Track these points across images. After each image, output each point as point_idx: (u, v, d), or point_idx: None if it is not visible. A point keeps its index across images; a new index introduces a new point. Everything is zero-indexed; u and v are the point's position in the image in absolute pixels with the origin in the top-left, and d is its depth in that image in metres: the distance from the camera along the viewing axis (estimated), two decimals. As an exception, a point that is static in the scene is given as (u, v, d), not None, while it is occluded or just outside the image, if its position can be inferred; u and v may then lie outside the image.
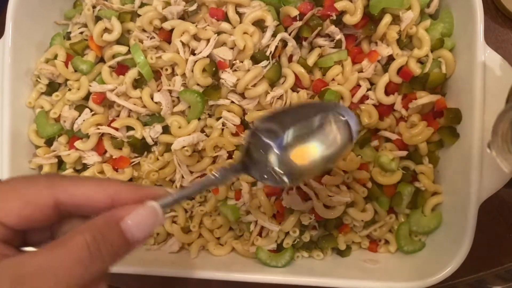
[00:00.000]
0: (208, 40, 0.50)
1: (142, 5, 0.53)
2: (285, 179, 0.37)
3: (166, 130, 0.52)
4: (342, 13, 0.49)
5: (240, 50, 0.49)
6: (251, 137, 0.37)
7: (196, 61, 0.50)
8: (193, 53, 0.51)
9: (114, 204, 0.30)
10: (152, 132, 0.52)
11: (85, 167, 0.54)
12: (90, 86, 0.53)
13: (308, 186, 0.51)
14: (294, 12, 0.49)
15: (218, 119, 0.52)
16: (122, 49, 0.52)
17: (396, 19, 0.50)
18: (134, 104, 0.52)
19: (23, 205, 0.28)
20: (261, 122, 0.39)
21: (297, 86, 0.51)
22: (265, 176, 0.37)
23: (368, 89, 0.52)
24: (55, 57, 0.54)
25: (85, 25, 0.55)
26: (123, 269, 0.49)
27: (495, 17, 0.57)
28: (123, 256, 0.30)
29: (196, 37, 0.51)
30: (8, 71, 0.51)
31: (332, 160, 0.39)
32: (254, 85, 0.50)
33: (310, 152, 0.38)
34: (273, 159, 0.37)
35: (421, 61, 0.52)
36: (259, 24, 0.50)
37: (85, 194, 0.30)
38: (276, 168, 0.37)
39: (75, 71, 0.54)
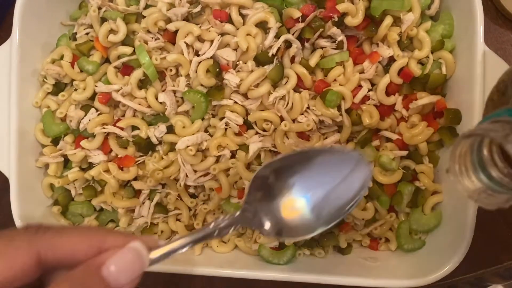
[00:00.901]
0: (211, 41, 0.51)
1: (147, 6, 0.54)
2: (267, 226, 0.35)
3: (170, 129, 0.53)
4: (343, 14, 0.50)
5: (243, 51, 0.50)
6: (253, 184, 0.35)
7: (200, 62, 0.51)
8: (197, 54, 0.52)
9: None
10: (156, 132, 0.53)
11: (90, 165, 0.55)
12: (96, 86, 0.54)
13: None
14: (297, 14, 0.50)
15: (221, 119, 0.53)
16: (127, 50, 0.53)
17: (397, 21, 0.51)
18: (139, 104, 0.53)
19: (2, 268, 0.26)
20: (266, 168, 0.36)
21: (299, 86, 0.52)
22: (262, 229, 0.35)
23: (369, 90, 0.53)
24: (61, 57, 0.55)
25: (91, 26, 0.56)
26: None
27: (495, 18, 0.58)
28: None
29: (200, 39, 0.52)
30: (15, 71, 0.52)
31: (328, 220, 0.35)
32: (257, 86, 0.51)
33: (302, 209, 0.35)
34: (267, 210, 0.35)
35: (421, 62, 0.52)
36: (262, 25, 0.51)
37: (69, 247, 0.28)
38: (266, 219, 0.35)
39: (81, 71, 0.55)
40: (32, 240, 0.27)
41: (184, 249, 0.31)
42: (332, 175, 0.36)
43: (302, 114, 0.52)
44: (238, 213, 0.34)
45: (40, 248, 0.27)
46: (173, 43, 0.53)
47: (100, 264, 0.27)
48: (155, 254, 0.30)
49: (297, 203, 0.36)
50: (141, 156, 0.55)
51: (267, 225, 0.35)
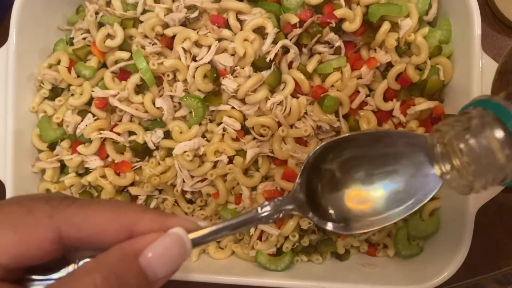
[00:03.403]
0: (209, 47, 0.51)
1: (144, 11, 0.53)
2: (329, 224, 0.32)
3: (167, 135, 0.53)
4: (341, 20, 0.50)
5: (241, 56, 0.50)
6: (307, 167, 0.32)
7: (197, 67, 0.51)
8: (194, 59, 0.52)
9: (133, 237, 0.24)
10: (153, 137, 0.53)
11: (87, 171, 0.55)
12: (92, 91, 0.53)
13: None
14: (294, 20, 0.50)
15: (218, 124, 0.52)
16: (125, 55, 0.53)
17: (394, 27, 0.51)
18: (136, 110, 0.53)
19: (17, 241, 0.23)
20: (321, 151, 0.33)
21: (296, 92, 0.52)
22: (310, 215, 0.31)
23: (367, 95, 0.52)
24: (58, 62, 0.55)
25: (88, 31, 0.55)
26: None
27: (493, 24, 0.58)
28: None
29: (197, 44, 0.52)
30: (12, 76, 0.52)
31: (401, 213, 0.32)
32: (254, 91, 0.51)
33: (373, 198, 0.32)
34: (325, 199, 0.32)
35: (419, 68, 0.52)
36: (260, 31, 0.51)
37: (96, 226, 0.24)
38: (330, 211, 0.32)
39: (78, 76, 0.55)
40: (53, 214, 0.24)
41: (227, 233, 0.27)
42: (400, 160, 0.32)
43: (300, 119, 0.51)
44: (287, 196, 0.31)
45: (62, 224, 0.24)
46: (171, 48, 0.53)
47: (137, 251, 0.23)
48: (194, 235, 0.26)
49: (366, 193, 0.32)
50: (138, 161, 0.54)
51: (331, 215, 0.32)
